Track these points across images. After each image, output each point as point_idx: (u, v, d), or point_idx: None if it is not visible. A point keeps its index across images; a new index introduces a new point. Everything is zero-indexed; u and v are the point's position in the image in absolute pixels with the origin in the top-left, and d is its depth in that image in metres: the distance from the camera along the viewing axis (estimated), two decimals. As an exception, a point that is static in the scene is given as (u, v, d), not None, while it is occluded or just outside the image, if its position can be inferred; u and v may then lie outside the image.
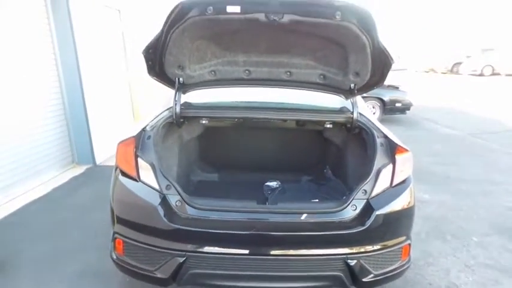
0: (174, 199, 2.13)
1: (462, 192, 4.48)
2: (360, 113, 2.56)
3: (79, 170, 5.30)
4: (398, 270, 2.23)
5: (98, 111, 5.57)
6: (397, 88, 9.12)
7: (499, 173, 5.18)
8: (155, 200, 2.09)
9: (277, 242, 2.10)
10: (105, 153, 5.75)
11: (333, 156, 3.08)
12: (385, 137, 2.38)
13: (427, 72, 27.98)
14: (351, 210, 2.15)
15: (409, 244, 2.27)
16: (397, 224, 2.22)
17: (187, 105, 2.58)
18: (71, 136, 5.40)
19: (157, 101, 3.58)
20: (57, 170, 5.11)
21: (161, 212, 2.05)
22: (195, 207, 2.12)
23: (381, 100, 8.52)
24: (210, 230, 2.06)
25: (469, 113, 10.34)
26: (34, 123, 4.66)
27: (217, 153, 3.24)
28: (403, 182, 2.25)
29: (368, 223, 2.07)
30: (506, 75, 21.18)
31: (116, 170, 2.29)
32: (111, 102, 6.10)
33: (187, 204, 2.12)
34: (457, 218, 3.80)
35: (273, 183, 2.73)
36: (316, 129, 3.06)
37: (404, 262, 2.25)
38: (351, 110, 2.56)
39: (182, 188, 2.19)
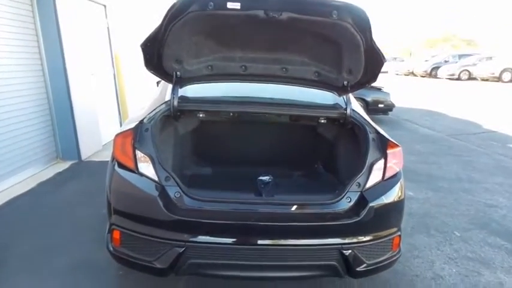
0: (173, 190, 2.14)
1: (444, 190, 4.64)
2: (353, 109, 2.63)
3: (63, 165, 5.18)
4: (390, 260, 2.30)
5: (83, 105, 5.47)
6: (380, 89, 9.21)
7: (477, 172, 5.38)
8: (154, 191, 2.09)
9: (275, 233, 2.15)
10: (91, 148, 5.65)
11: (325, 151, 3.14)
12: (377, 132, 2.46)
13: (407, 75, 28.67)
14: (346, 202, 2.22)
15: (399, 236, 2.35)
16: (388, 216, 2.30)
17: (184, 99, 2.58)
18: (55, 131, 5.28)
19: (144, 97, 3.56)
20: (41, 166, 4.99)
21: (161, 203, 2.05)
22: (194, 199, 2.14)
23: (364, 101, 8.57)
24: (209, 221, 2.08)
25: (446, 114, 10.65)
26: (16, 117, 4.52)
27: (211, 147, 3.25)
28: (394, 176, 2.35)
29: (362, 214, 2.13)
30: (482, 79, 21.88)
31: (112, 161, 2.27)
32: (96, 97, 6.01)
33: (187, 195, 2.14)
34: (440, 213, 3.94)
35: (266, 178, 2.77)
36: (308, 125, 3.11)
37: (395, 253, 2.33)
38: (344, 107, 2.63)
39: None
